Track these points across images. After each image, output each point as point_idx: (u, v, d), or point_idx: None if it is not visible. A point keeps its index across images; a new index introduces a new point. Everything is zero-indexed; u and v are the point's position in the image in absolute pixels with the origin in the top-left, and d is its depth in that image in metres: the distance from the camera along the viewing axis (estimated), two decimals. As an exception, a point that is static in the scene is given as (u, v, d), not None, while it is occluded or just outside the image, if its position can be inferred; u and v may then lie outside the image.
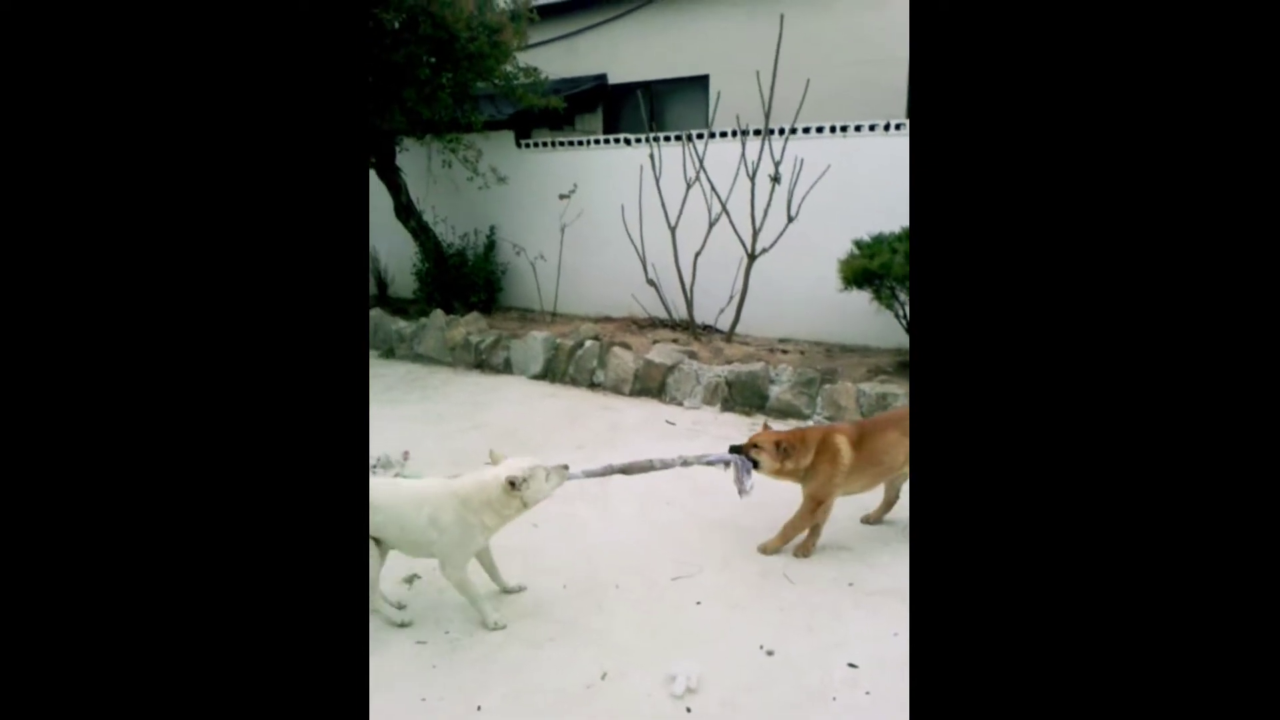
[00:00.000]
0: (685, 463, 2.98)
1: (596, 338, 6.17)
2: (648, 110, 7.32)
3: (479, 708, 2.24)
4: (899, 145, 5.71)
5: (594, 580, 2.98)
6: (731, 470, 3.03)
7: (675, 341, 6.23)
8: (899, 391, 4.72)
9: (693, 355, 5.74)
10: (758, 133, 5.89)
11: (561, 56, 8.58)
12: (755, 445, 3.03)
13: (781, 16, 5.61)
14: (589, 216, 7.07)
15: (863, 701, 2.26)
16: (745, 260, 6.01)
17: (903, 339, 5.40)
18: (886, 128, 5.79)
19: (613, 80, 8.61)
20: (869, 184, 5.80)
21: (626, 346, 5.96)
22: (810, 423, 4.95)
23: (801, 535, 3.19)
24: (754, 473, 3.03)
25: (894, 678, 2.34)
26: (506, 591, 2.86)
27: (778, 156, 5.75)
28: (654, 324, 6.88)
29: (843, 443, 3.06)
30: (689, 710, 2.22)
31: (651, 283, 6.59)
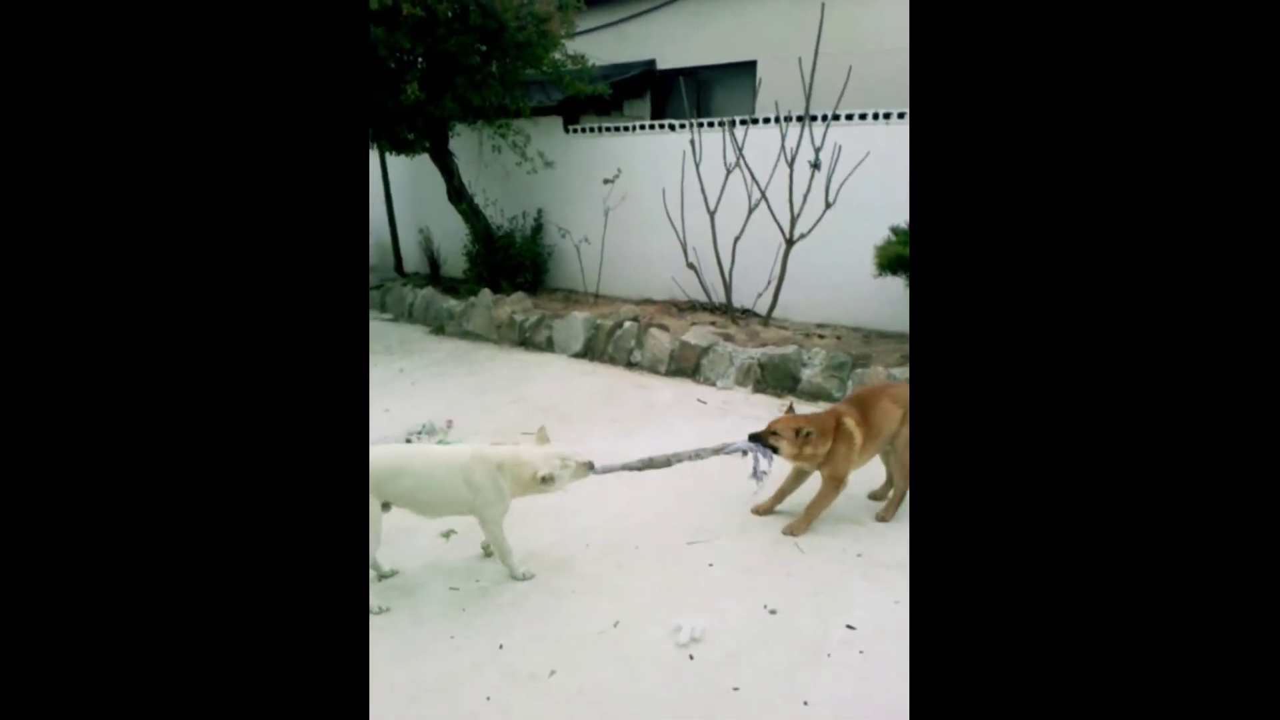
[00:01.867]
0: (701, 456, 3.15)
1: (636, 319, 6.36)
2: (691, 97, 7.43)
3: (500, 646, 2.48)
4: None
5: (617, 542, 3.18)
6: (749, 458, 3.18)
7: (713, 324, 6.38)
8: (928, 377, 4.79)
9: (728, 338, 5.88)
10: (800, 119, 5.95)
11: (610, 42, 8.72)
12: (774, 433, 3.15)
13: (823, 4, 5.63)
14: (633, 201, 7.24)
15: (856, 660, 2.41)
16: (783, 245, 6.10)
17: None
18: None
19: (661, 66, 8.71)
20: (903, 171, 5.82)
21: (664, 328, 6.13)
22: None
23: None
24: (772, 458, 3.18)
25: (890, 641, 2.49)
26: (489, 555, 3.06)
27: (818, 143, 5.80)
28: (693, 307, 7.03)
29: (852, 424, 3.19)
30: (691, 658, 2.41)
31: (691, 266, 6.73)
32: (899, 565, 2.97)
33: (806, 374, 5.28)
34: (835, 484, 3.24)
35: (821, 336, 6.18)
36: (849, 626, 2.58)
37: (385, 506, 2.72)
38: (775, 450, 3.14)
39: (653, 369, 5.91)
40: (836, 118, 5.93)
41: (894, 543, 3.16)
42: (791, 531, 3.26)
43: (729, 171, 6.18)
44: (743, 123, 6.39)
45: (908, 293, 5.42)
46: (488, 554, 3.06)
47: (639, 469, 3.16)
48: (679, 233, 6.69)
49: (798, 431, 3.10)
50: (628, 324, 6.23)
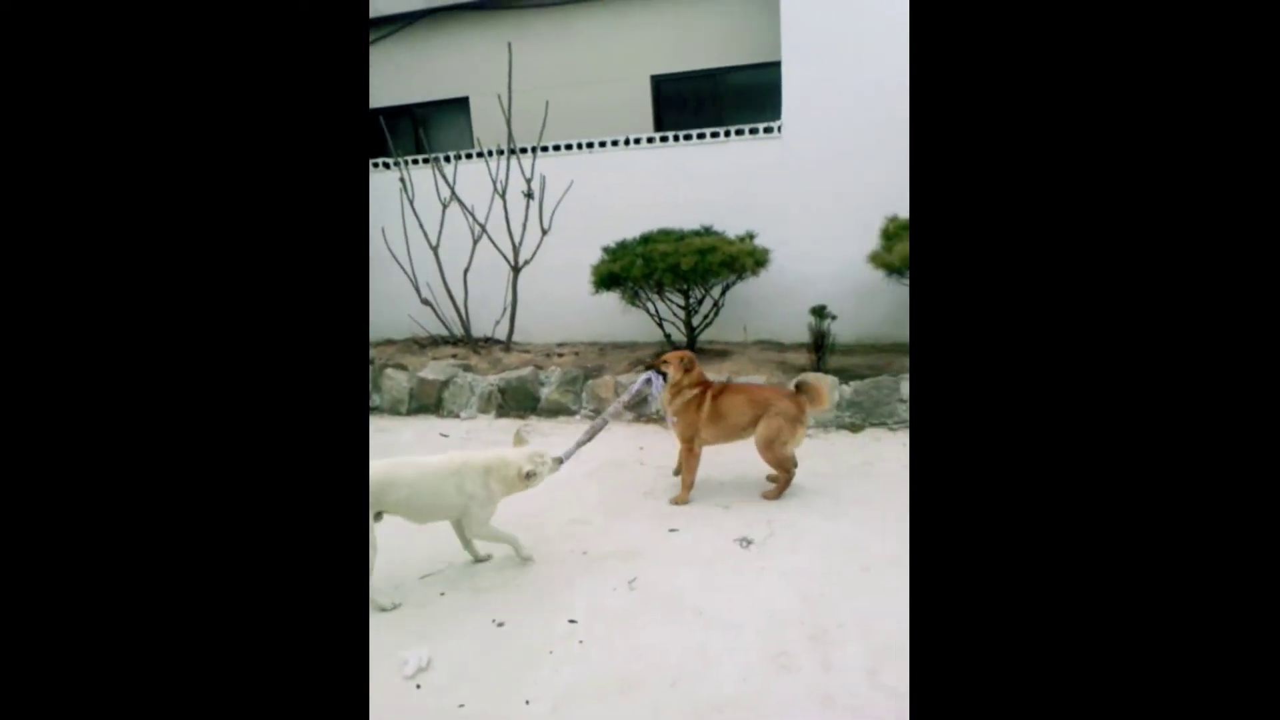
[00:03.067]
0: (624, 403, 3.76)
1: (372, 361, 6.17)
2: (409, 134, 7.40)
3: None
4: (640, 158, 6.28)
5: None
6: (651, 385, 3.74)
7: (454, 356, 6.39)
8: (650, 380, 5.23)
9: (468, 368, 5.93)
10: (506, 152, 6.20)
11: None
12: (664, 361, 3.79)
13: (510, 45, 5.97)
14: (356, 241, 7.01)
15: (576, 650, 2.59)
16: (511, 274, 6.29)
17: (654, 335, 5.95)
18: (627, 142, 6.33)
19: (377, 104, 8.56)
20: (617, 195, 6.32)
21: (402, 367, 6.03)
22: (577, 418, 5.32)
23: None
24: (656, 388, 3.75)
25: (609, 626, 2.70)
26: (478, 560, 3.24)
27: (528, 174, 6.09)
28: (434, 342, 6.97)
29: (715, 391, 3.77)
30: (418, 687, 2.43)
31: (426, 302, 6.69)
32: (617, 554, 3.23)
33: (545, 392, 5.49)
34: (685, 445, 3.79)
35: (560, 355, 6.45)
36: (571, 620, 2.76)
37: (378, 516, 2.90)
38: (664, 376, 3.75)
39: (394, 410, 5.78)
40: (545, 149, 6.27)
41: (617, 533, 3.43)
42: (678, 501, 3.77)
43: (444, 206, 6.25)
44: (453, 158, 6.51)
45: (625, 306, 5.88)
46: (478, 560, 3.24)
47: (587, 441, 3.49)
48: (406, 270, 6.62)
49: (681, 360, 3.76)
50: (363, 368, 6.02)
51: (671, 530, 3.47)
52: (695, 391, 3.75)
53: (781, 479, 3.78)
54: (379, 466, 2.86)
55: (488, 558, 3.29)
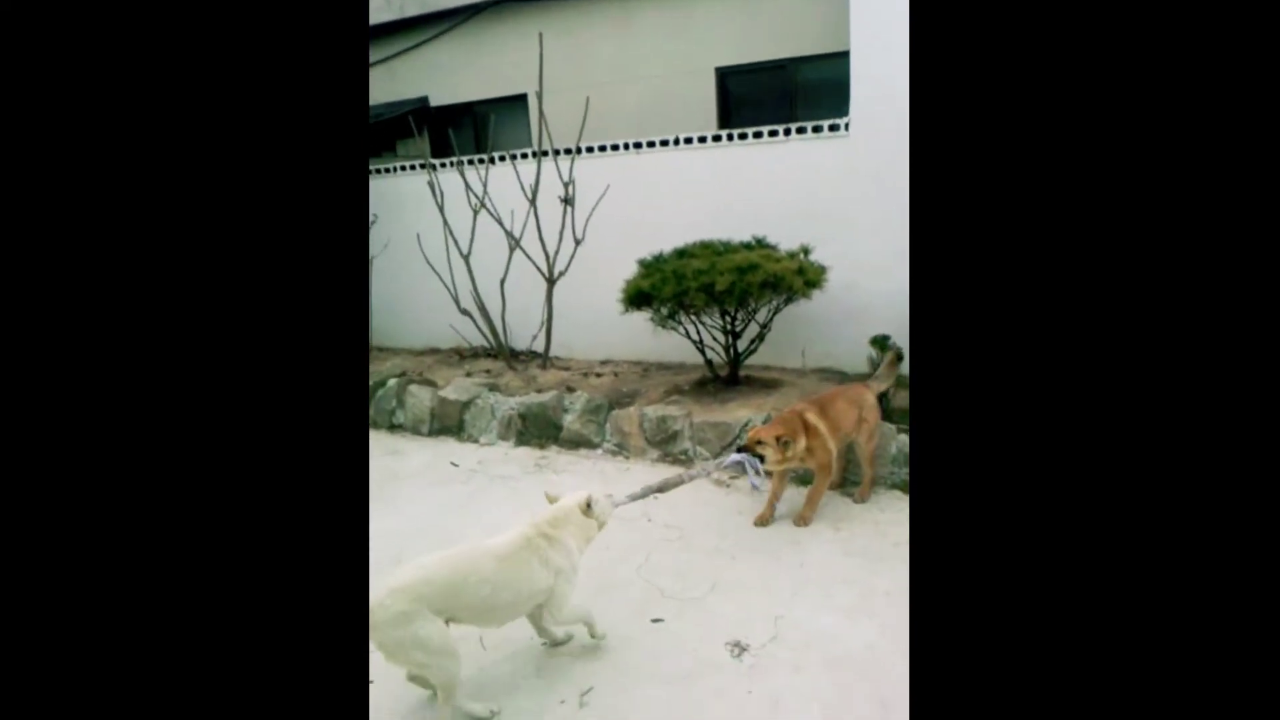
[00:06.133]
0: (706, 473, 3.46)
1: (403, 374, 5.89)
2: (468, 133, 7.09)
3: None
4: (697, 159, 5.65)
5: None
6: (747, 471, 3.35)
7: (488, 371, 6.02)
8: (677, 414, 4.62)
9: (494, 387, 5.52)
10: (534, 155, 5.73)
11: (382, 80, 8.26)
12: (760, 442, 3.39)
13: (540, 35, 5.49)
14: (399, 246, 6.78)
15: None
16: (546, 285, 5.84)
17: (700, 357, 5.30)
18: (676, 142, 5.72)
19: (437, 102, 8.34)
20: (668, 200, 5.72)
21: (431, 383, 5.71)
22: (599, 452, 4.80)
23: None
24: (753, 478, 3.37)
25: None
26: (557, 644, 2.74)
27: (566, 178, 5.60)
28: (475, 354, 6.65)
29: (814, 418, 3.54)
30: None
31: (465, 312, 6.34)
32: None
33: (568, 420, 5.01)
34: (825, 471, 3.61)
35: (599, 375, 5.95)
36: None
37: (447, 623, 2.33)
38: (762, 459, 3.37)
39: (415, 430, 5.46)
40: (590, 150, 5.76)
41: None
42: (802, 521, 3.59)
43: (475, 213, 5.85)
44: (482, 161, 6.10)
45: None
46: (555, 644, 2.72)
47: (658, 492, 3.12)
48: (443, 277, 6.29)
49: (778, 439, 3.38)
50: (391, 381, 5.75)
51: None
52: (800, 444, 3.44)
53: (867, 479, 3.85)
54: (439, 566, 2.35)
55: (569, 638, 2.74)
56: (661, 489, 3.12)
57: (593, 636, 2.70)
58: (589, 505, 2.61)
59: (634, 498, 3.00)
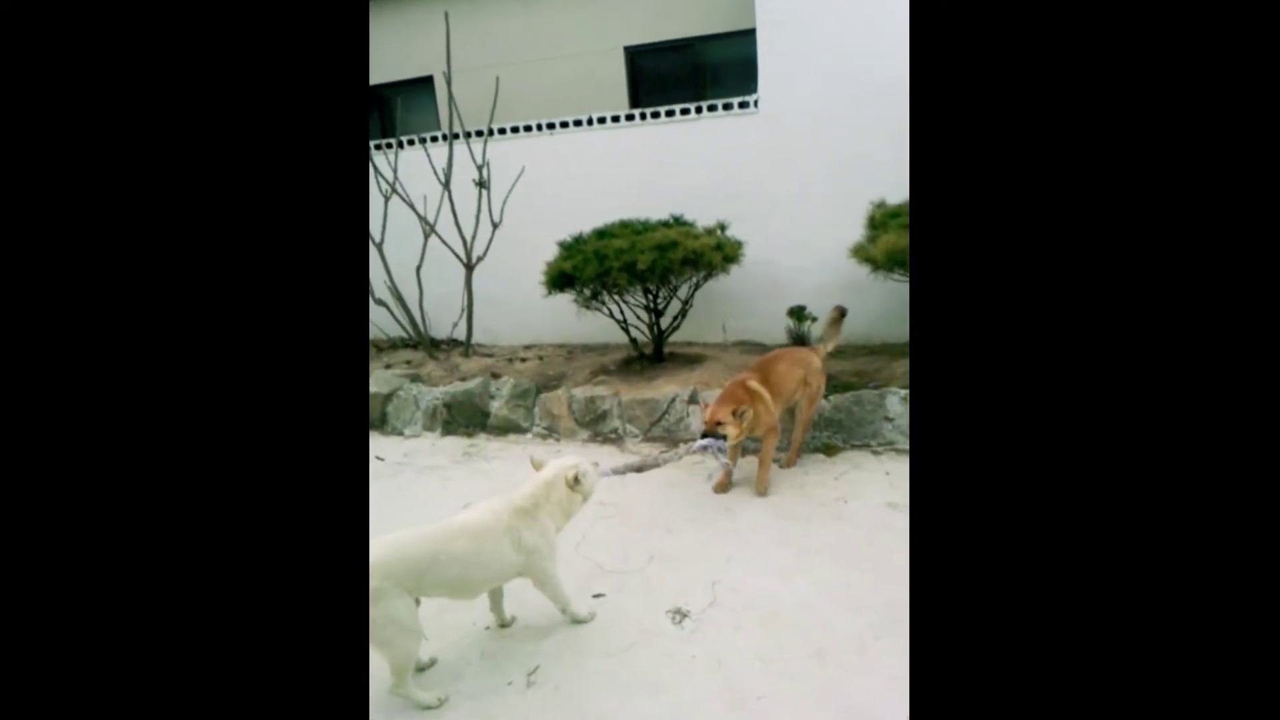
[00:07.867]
0: (679, 456, 3.48)
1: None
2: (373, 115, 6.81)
3: None
4: (611, 138, 5.64)
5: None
6: (712, 452, 3.47)
7: (408, 362, 5.88)
8: (605, 393, 4.65)
9: (416, 378, 5.40)
10: (445, 138, 5.61)
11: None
12: (719, 423, 3.43)
13: (446, 14, 5.35)
14: (307, 237, 6.50)
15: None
16: (465, 271, 5.73)
17: (624, 337, 5.33)
18: (590, 122, 5.69)
19: (337, 85, 7.99)
20: (584, 181, 5.70)
21: (349, 377, 5.53)
22: (529, 435, 4.78)
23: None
24: (720, 458, 3.54)
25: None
26: (503, 625, 2.74)
27: (479, 160, 5.50)
28: (395, 345, 6.47)
29: (757, 384, 3.62)
30: None
31: (381, 302, 6.15)
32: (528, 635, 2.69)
33: (495, 406, 4.96)
34: (772, 434, 3.69)
35: (524, 360, 5.91)
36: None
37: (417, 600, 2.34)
38: (724, 437, 3.44)
39: (335, 426, 5.29)
40: (502, 131, 5.67)
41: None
42: (762, 488, 3.67)
43: (386, 198, 5.67)
44: (396, 144, 5.91)
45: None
46: (504, 625, 2.72)
47: (635, 470, 3.30)
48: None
49: (734, 413, 3.44)
50: (306, 378, 5.53)
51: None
52: (749, 410, 3.52)
53: (796, 444, 3.97)
54: (409, 541, 2.32)
55: (513, 620, 2.75)
56: (640, 469, 3.28)
57: (574, 620, 2.70)
58: (576, 480, 2.56)
59: (618, 471, 3.11)
